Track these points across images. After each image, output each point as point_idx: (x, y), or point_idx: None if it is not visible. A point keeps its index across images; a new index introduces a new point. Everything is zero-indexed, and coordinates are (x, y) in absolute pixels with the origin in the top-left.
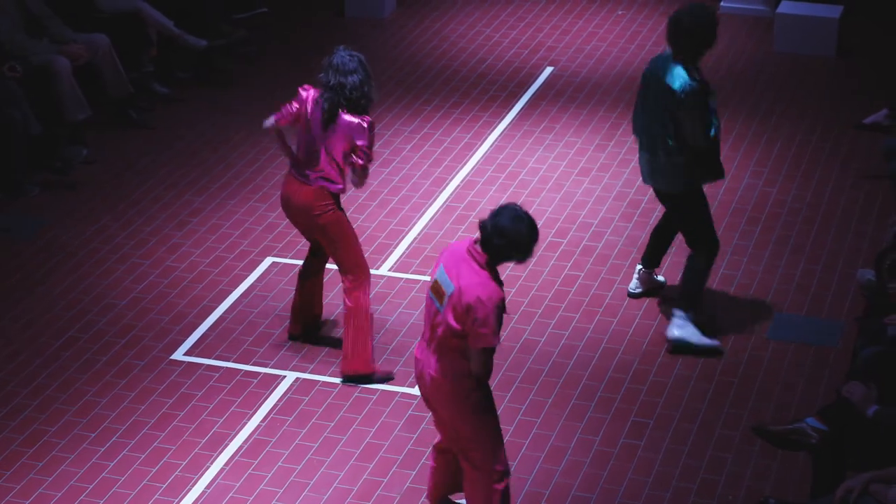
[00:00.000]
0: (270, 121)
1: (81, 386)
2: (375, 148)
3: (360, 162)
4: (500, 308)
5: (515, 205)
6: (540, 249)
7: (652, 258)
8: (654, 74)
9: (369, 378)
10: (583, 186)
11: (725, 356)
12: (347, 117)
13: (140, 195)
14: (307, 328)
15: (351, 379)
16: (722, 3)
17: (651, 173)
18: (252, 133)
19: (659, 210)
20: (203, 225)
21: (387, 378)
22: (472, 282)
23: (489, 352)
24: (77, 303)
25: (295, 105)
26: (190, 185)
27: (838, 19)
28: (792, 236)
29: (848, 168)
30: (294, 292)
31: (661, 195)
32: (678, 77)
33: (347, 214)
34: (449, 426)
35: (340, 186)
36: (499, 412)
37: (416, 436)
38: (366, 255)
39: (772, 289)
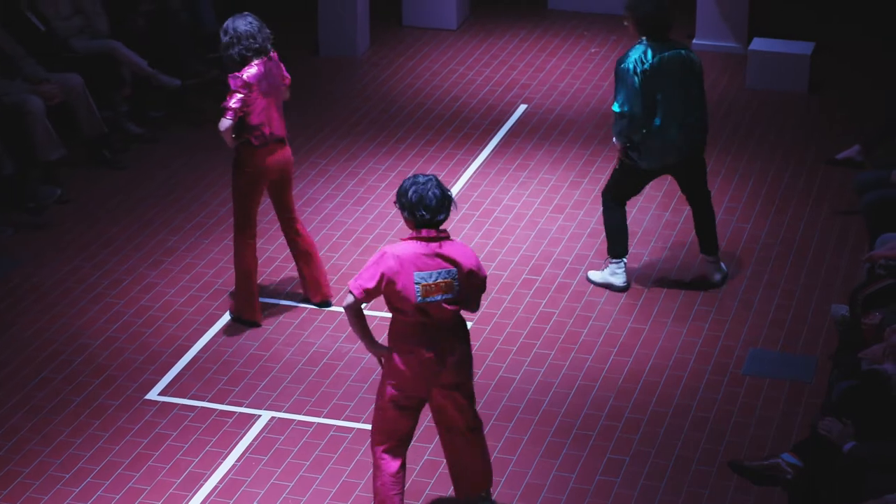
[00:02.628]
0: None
1: (55, 427)
2: (350, 186)
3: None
4: None
5: (403, 182)
6: (515, 287)
7: (711, 242)
8: (671, 57)
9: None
10: (557, 224)
11: (701, 391)
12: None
13: (114, 235)
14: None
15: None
16: (694, 41)
17: (682, 149)
18: (226, 172)
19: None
20: (177, 264)
21: None
22: (460, 252)
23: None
24: (51, 343)
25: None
26: (164, 225)
27: (810, 56)
28: (766, 272)
29: (821, 204)
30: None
31: (690, 164)
32: (687, 48)
33: (322, 253)
34: (461, 394)
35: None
36: None
37: None
38: (340, 294)
39: (746, 324)
